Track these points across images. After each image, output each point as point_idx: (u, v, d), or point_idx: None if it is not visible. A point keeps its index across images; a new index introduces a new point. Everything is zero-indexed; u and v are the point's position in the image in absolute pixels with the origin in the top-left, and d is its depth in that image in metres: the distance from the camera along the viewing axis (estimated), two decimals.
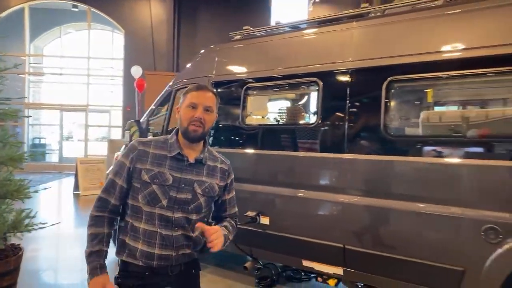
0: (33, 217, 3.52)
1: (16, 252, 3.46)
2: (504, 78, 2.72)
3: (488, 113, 2.98)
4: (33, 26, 14.48)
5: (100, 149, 15.22)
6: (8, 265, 3.28)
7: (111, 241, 1.67)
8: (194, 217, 1.65)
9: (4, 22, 13.52)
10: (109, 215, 1.64)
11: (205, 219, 1.76)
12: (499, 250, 2.45)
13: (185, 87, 4.38)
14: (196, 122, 1.59)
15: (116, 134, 14.56)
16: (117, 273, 1.65)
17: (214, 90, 1.68)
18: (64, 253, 5.21)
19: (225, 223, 1.77)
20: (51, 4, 14.32)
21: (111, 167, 1.53)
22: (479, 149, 2.66)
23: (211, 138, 4.02)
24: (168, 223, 1.60)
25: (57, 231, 5.44)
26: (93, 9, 13.67)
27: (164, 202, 1.59)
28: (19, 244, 3.60)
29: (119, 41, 14.49)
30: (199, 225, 1.56)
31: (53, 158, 14.97)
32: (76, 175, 9.01)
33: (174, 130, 1.72)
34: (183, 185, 1.62)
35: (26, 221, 3.53)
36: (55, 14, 15.14)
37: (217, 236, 1.55)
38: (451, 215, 2.63)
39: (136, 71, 10.49)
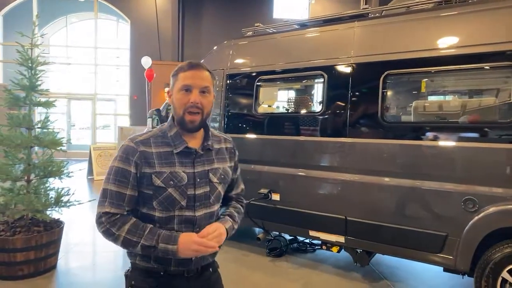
0: (73, 194, 4.00)
1: (58, 224, 3.96)
2: (485, 73, 3.18)
3: (472, 103, 3.45)
4: (39, 16, 14.75)
5: (104, 136, 15.64)
6: (53, 235, 3.78)
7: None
8: (216, 207, 1.52)
9: (13, 11, 13.86)
10: (126, 213, 1.40)
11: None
12: (476, 217, 2.94)
13: None
14: (193, 109, 1.38)
15: (123, 121, 14.99)
16: (127, 270, 1.51)
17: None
18: (87, 228, 5.71)
19: (229, 210, 1.61)
20: None
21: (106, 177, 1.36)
22: (462, 134, 3.12)
23: (224, 126, 4.48)
24: (189, 224, 1.42)
25: (75, 210, 5.87)
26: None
27: (184, 203, 1.40)
28: (58, 218, 4.09)
29: (124, 30, 14.81)
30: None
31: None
32: (90, 161, 9.49)
33: (170, 119, 1.49)
34: (198, 180, 1.43)
35: (65, 198, 4.01)
36: (60, 4, 15.39)
37: (215, 237, 1.37)
38: (438, 189, 3.12)
39: (146, 61, 10.89)
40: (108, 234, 1.36)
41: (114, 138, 15.08)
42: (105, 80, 15.63)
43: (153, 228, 1.36)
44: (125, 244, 1.35)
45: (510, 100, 2.92)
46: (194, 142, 1.47)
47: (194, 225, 1.43)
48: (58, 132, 4.07)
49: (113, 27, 15.66)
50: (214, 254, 1.54)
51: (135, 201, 1.41)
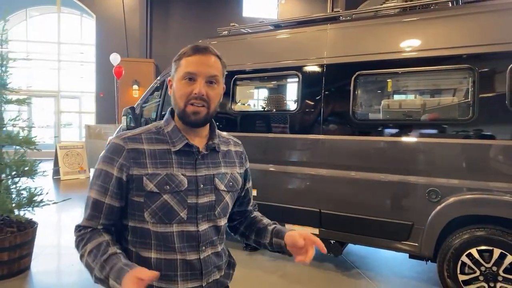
0: (47, 193, 3.92)
1: (32, 225, 3.87)
2: (445, 74, 3.47)
3: (435, 101, 3.73)
4: None
5: (67, 135, 15.12)
6: (27, 236, 3.71)
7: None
8: (222, 222, 1.25)
9: None
10: (100, 227, 1.15)
11: None
12: (438, 207, 3.21)
13: None
14: (197, 101, 1.13)
15: (88, 119, 14.56)
16: None
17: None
18: (56, 230, 5.58)
19: (267, 221, 1.41)
20: None
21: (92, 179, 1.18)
22: (426, 130, 3.39)
23: None
24: (193, 243, 1.15)
25: (43, 212, 5.72)
26: None
27: (183, 214, 1.13)
28: (31, 218, 4.00)
29: (88, 26, 14.37)
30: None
31: None
32: (56, 160, 9.18)
33: (168, 113, 1.23)
34: (201, 186, 1.17)
35: (38, 198, 3.93)
36: None
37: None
38: (403, 181, 3.36)
39: (115, 58, 10.66)
40: (78, 251, 1.13)
41: (78, 137, 14.63)
42: (68, 76, 15.09)
43: (115, 254, 1.06)
44: (87, 268, 1.09)
45: (468, 99, 3.21)
46: (199, 140, 1.22)
47: (198, 243, 1.16)
48: (30, 131, 3.97)
49: (77, 22, 15.13)
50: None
51: (116, 214, 1.15)
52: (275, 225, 1.37)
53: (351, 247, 4.58)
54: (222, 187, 1.23)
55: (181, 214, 1.13)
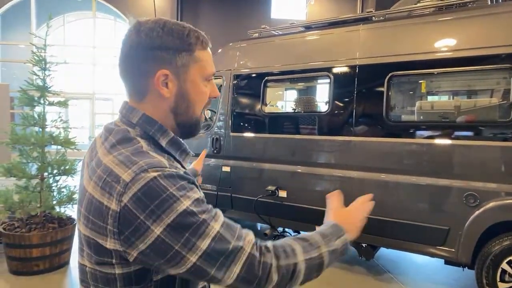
0: None
1: (71, 221, 4.05)
2: (484, 74, 3.35)
3: (472, 102, 3.61)
4: (36, 15, 14.75)
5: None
6: (67, 231, 3.88)
7: None
8: None
9: (10, 10, 13.85)
10: None
11: None
12: (477, 212, 3.10)
13: None
14: (209, 105, 0.95)
15: None
16: None
17: None
18: None
19: None
20: None
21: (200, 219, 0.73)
22: (463, 132, 3.29)
23: (231, 125, 4.59)
24: None
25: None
26: None
27: None
28: (70, 215, 4.18)
29: (122, 30, 14.84)
30: None
31: None
32: None
33: (148, 118, 0.87)
34: None
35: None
36: (58, 3, 15.37)
37: None
38: (439, 184, 3.27)
39: None
40: (284, 266, 0.81)
41: None
42: (102, 79, 15.64)
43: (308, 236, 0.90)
44: (315, 266, 0.86)
45: (507, 100, 3.09)
46: None
47: None
48: (69, 131, 4.16)
49: (111, 26, 15.68)
50: None
51: None
52: None
53: (383, 250, 4.49)
54: None
55: None
